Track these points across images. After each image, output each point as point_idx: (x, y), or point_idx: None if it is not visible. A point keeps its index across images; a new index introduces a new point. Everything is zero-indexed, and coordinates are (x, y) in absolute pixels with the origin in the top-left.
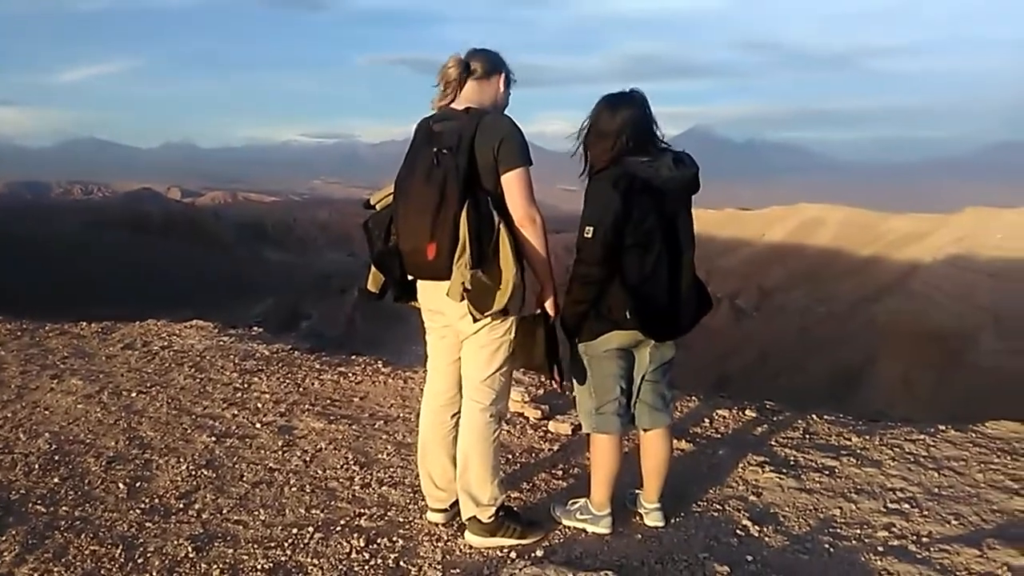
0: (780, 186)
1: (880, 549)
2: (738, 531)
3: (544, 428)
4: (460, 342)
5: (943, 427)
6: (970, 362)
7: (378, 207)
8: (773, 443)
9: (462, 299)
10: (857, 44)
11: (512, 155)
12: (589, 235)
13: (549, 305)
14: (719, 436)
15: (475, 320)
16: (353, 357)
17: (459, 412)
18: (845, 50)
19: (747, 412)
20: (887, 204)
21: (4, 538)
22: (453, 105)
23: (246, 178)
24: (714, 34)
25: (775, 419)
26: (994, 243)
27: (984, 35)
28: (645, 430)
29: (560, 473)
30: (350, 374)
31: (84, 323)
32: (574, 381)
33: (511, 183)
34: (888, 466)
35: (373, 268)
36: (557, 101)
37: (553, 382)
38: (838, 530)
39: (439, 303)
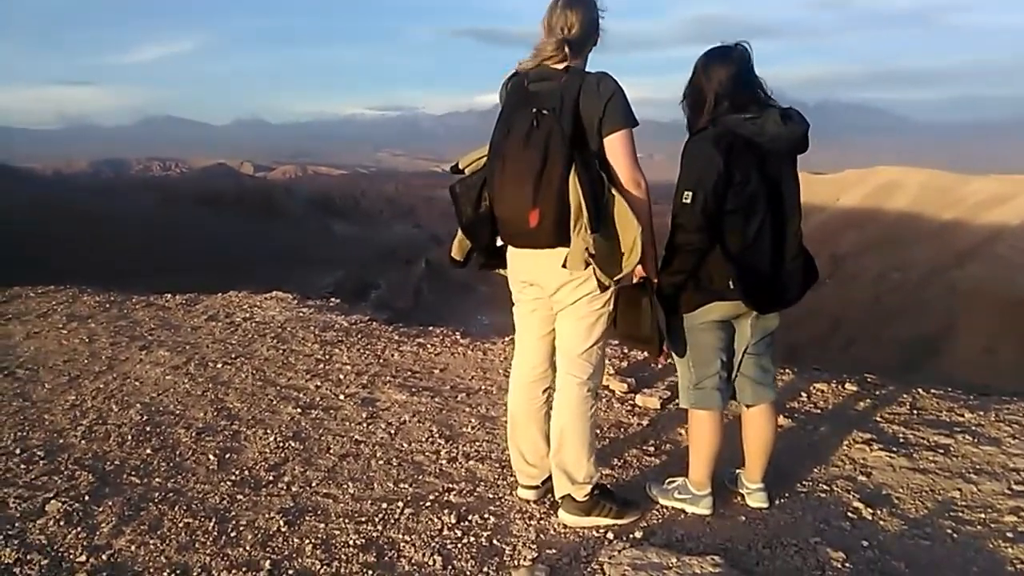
0: (855, 149)
1: (1009, 535)
2: (849, 514)
3: (631, 402)
4: (553, 314)
5: None
6: None
7: (467, 171)
8: (878, 419)
9: (587, 267)
10: (931, 1)
11: (618, 116)
12: (688, 200)
13: (651, 275)
14: (819, 411)
15: (603, 289)
16: (430, 328)
17: (551, 387)
18: (921, 6)
19: (847, 386)
20: (969, 165)
21: (101, 509)
22: (549, 63)
23: (314, 152)
24: None
25: (877, 393)
26: None
27: None
28: (748, 406)
29: (652, 449)
30: (428, 346)
31: (169, 295)
32: (675, 356)
33: (616, 145)
34: (1008, 444)
35: (459, 235)
36: (622, 67)
37: (658, 357)
38: (959, 514)
39: (534, 273)
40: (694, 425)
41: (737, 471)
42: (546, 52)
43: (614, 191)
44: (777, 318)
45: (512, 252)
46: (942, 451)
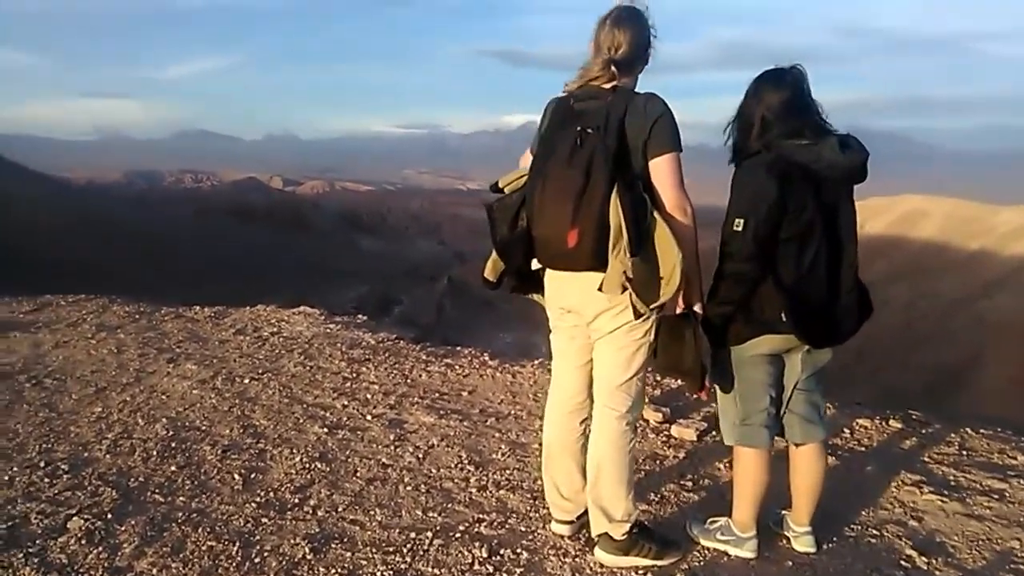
0: (882, 176)
1: None
2: (902, 562)
3: (666, 432)
4: (591, 343)
5: None
6: None
7: (507, 190)
8: (926, 459)
9: (623, 291)
10: (961, 28)
11: (665, 138)
12: (739, 228)
13: (697, 306)
14: (863, 449)
15: (637, 316)
16: (458, 349)
17: (588, 418)
18: (949, 34)
19: (891, 423)
20: (997, 196)
21: (124, 528)
22: (597, 83)
23: (342, 168)
24: (809, 19)
25: (924, 432)
26: None
27: None
28: (797, 444)
29: (690, 484)
30: (457, 366)
31: (197, 307)
32: (716, 389)
33: (662, 168)
34: None
35: (493, 255)
36: (651, 88)
37: (699, 391)
38: (1020, 566)
39: (572, 298)
40: (740, 463)
41: (783, 512)
42: (593, 72)
43: (657, 215)
44: (829, 353)
45: (550, 276)
46: (996, 496)
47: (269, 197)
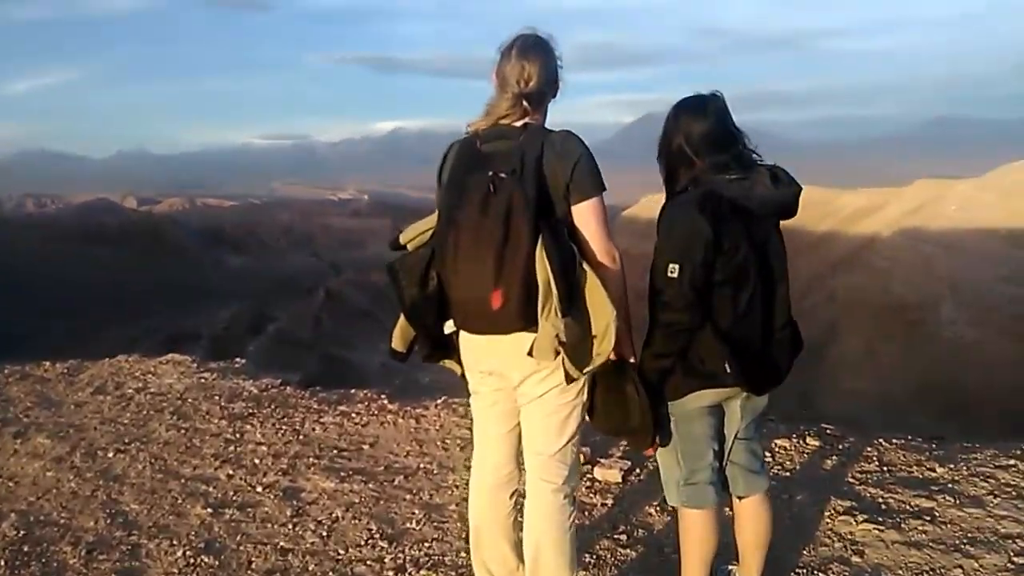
0: None
1: None
2: None
3: (589, 475)
4: (518, 407)
5: None
6: (931, 333)
7: (410, 247)
8: (852, 480)
9: (556, 355)
10: (801, 26)
11: (588, 181)
12: (674, 274)
13: (631, 359)
14: (788, 475)
15: (569, 381)
16: (353, 392)
17: (519, 490)
18: (791, 33)
19: (808, 440)
20: (840, 180)
21: None
22: (506, 121)
23: (203, 183)
24: (663, 21)
25: (841, 447)
26: (947, 214)
27: (916, 15)
28: (740, 497)
29: (625, 538)
30: (353, 414)
31: (47, 363)
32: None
33: (587, 214)
34: (991, 504)
35: (400, 321)
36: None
37: (648, 449)
38: None
39: (495, 362)
40: (686, 525)
41: (731, 568)
42: (502, 109)
43: (586, 266)
44: (767, 397)
45: (467, 339)
46: (928, 518)
47: (123, 217)
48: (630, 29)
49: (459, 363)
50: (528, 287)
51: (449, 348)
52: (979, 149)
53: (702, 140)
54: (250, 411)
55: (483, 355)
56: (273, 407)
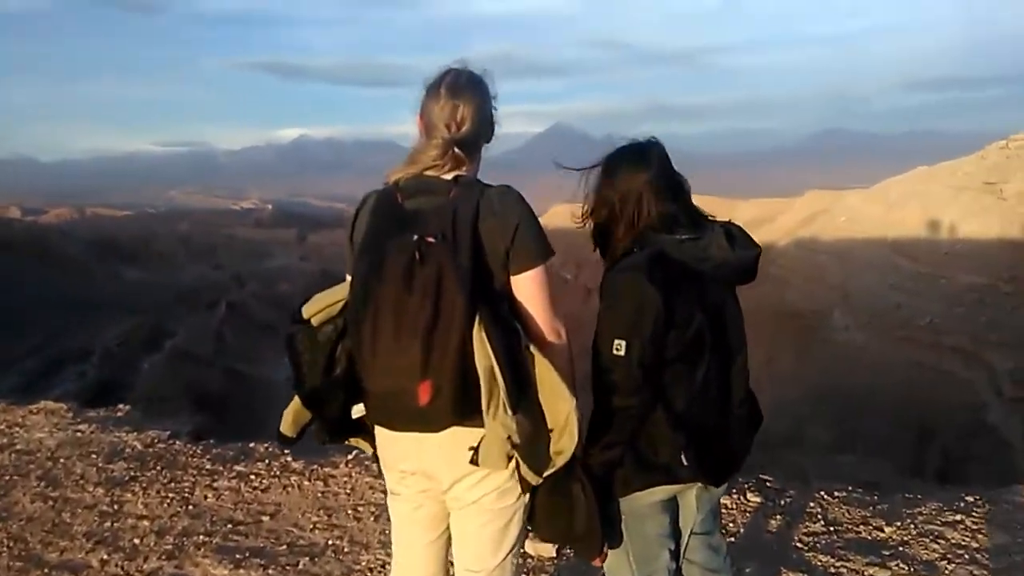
0: None
1: None
2: None
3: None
4: (446, 511)
5: (969, 497)
6: (824, 338)
7: (315, 321)
8: (800, 545)
9: (509, 461)
10: (696, 43)
11: (532, 245)
12: (621, 351)
13: (576, 450)
14: (733, 540)
15: (525, 489)
16: (252, 446)
17: None
18: (686, 48)
19: (749, 497)
20: (735, 191)
21: None
22: (432, 172)
23: (94, 192)
24: (563, 34)
25: (783, 503)
26: (837, 224)
27: (800, 33)
28: None
29: None
30: (252, 475)
31: None
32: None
33: (530, 285)
34: (947, 571)
35: (294, 403)
36: (417, 102)
37: (596, 557)
38: None
39: (419, 462)
40: None
41: None
42: (427, 159)
43: (532, 348)
44: (725, 485)
45: (385, 433)
46: None
47: (7, 229)
48: (532, 40)
49: (371, 444)
50: (464, 377)
51: (357, 427)
52: (863, 161)
53: (647, 193)
54: (132, 474)
55: (404, 452)
56: (159, 468)
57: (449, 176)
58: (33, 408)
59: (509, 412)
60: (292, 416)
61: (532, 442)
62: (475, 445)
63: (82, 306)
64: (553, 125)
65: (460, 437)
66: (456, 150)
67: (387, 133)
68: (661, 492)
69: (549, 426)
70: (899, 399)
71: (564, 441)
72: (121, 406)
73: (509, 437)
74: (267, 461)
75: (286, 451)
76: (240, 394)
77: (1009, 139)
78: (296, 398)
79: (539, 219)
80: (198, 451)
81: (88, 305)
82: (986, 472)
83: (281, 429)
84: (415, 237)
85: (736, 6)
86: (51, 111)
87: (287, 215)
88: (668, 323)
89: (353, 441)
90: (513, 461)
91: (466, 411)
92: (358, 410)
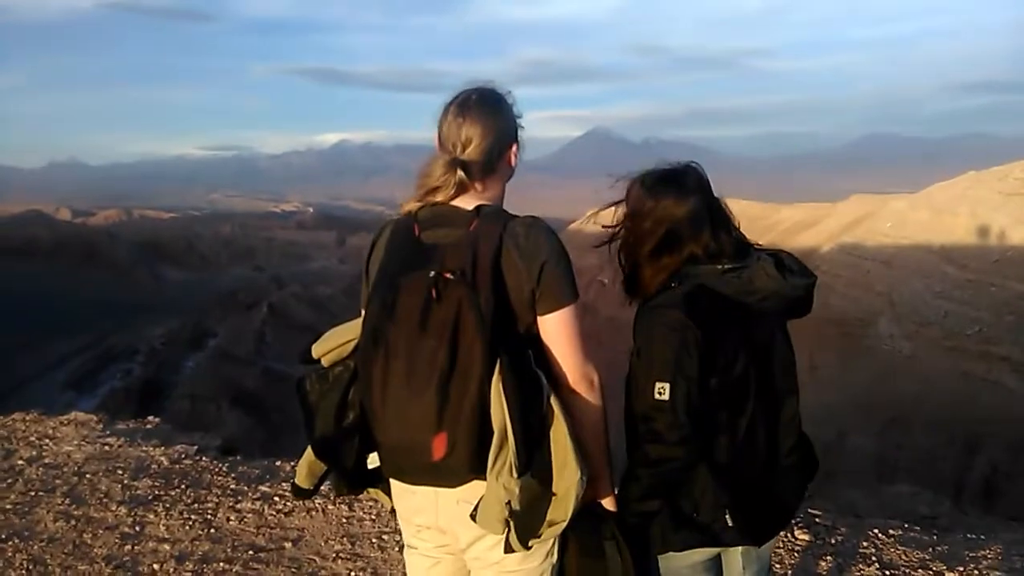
0: None
1: None
2: None
3: None
4: (467, 571)
5: None
6: (869, 346)
7: (325, 362)
8: None
9: (506, 525)
10: (735, 46)
11: (559, 287)
12: (664, 396)
13: (609, 503)
14: None
15: (508, 550)
16: (278, 465)
17: None
18: (726, 52)
19: (798, 535)
20: (777, 195)
21: None
22: (442, 197)
23: (141, 194)
24: (604, 39)
25: (834, 542)
26: (883, 230)
27: (843, 38)
28: None
29: None
30: (276, 497)
31: None
32: None
33: (557, 328)
34: None
35: (307, 454)
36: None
37: None
38: None
39: (436, 516)
40: None
41: None
42: (432, 179)
43: (554, 402)
44: (774, 541)
45: (399, 485)
46: None
47: (56, 230)
48: (571, 46)
49: (389, 495)
50: (483, 429)
51: (375, 477)
52: (909, 165)
53: (688, 223)
54: (156, 493)
55: (421, 506)
56: (183, 486)
57: (470, 206)
58: (64, 419)
59: (515, 475)
60: (307, 467)
61: (530, 510)
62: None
63: (128, 306)
64: (591, 130)
65: (479, 491)
66: (461, 172)
67: (426, 138)
68: (701, 554)
69: (552, 490)
70: (946, 409)
71: (560, 511)
72: (152, 418)
73: (509, 501)
74: (292, 481)
75: None
76: (278, 393)
77: None
78: (308, 449)
79: (566, 252)
80: (224, 469)
81: (133, 305)
82: None
83: (296, 481)
84: (432, 273)
85: (776, 9)
86: (101, 116)
87: (327, 218)
88: (710, 366)
89: (372, 492)
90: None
91: (484, 463)
92: (373, 460)
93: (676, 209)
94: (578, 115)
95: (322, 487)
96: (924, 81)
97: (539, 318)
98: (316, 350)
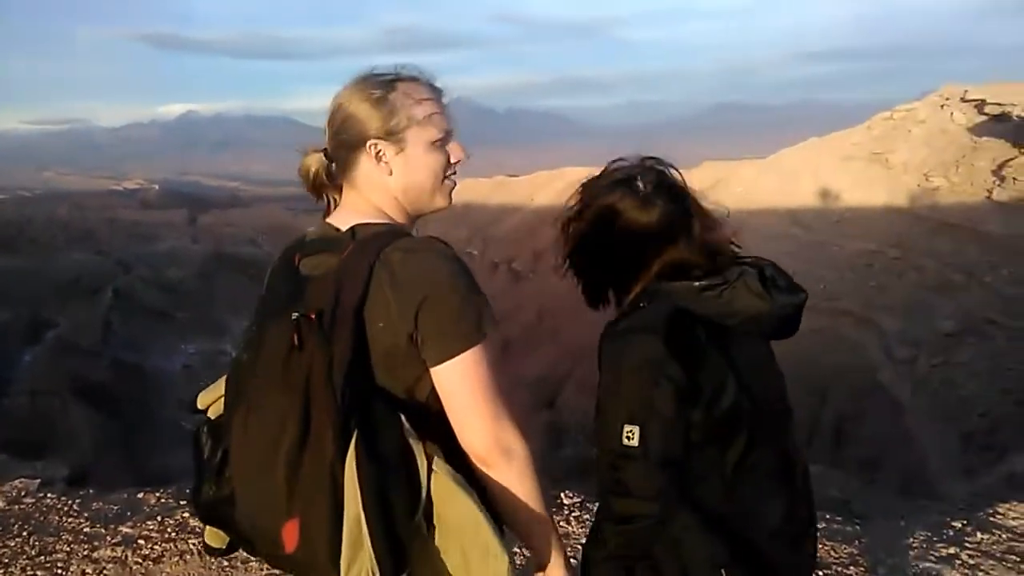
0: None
1: None
2: None
3: None
4: None
5: (956, 523)
6: None
7: (211, 413)
8: None
9: None
10: (594, 15)
11: (447, 328)
12: (633, 440)
13: (559, 572)
14: None
15: None
16: (140, 497)
17: None
18: (586, 20)
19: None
20: None
21: None
22: (331, 218)
23: None
24: (467, 6)
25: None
26: (734, 195)
27: (693, 7)
28: None
29: None
30: (140, 539)
31: None
32: None
33: (453, 384)
34: None
35: None
36: (318, 75)
37: None
38: None
39: None
40: None
41: None
42: (303, 170)
43: (445, 477)
44: None
45: None
46: None
47: None
48: (434, 12)
49: None
50: (340, 520)
51: None
52: (757, 132)
53: (657, 231)
54: None
55: None
56: (26, 535)
57: (345, 224)
58: None
59: None
60: (208, 532)
61: None
62: None
63: None
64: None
65: None
66: (331, 165)
67: (281, 108)
68: None
69: None
70: (802, 367)
71: None
72: None
73: None
74: (159, 518)
75: (182, 503)
76: (130, 386)
77: (894, 110)
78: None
79: (467, 279)
80: (75, 507)
81: None
82: (878, 429)
83: (206, 540)
84: (295, 314)
85: None
86: None
87: (175, 195)
88: (692, 399)
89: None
90: None
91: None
92: None
93: (641, 215)
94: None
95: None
96: (771, 51)
97: (432, 370)
98: (202, 399)
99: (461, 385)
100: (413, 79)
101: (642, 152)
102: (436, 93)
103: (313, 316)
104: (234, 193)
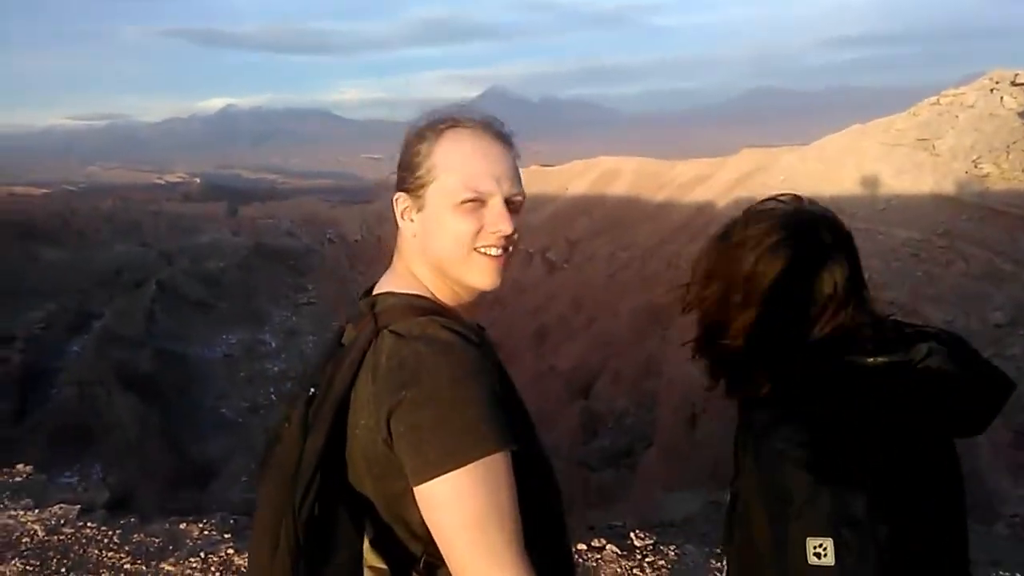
0: (578, 141)
1: None
2: None
3: None
4: None
5: None
6: None
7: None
8: None
9: None
10: (624, 2)
11: (428, 440)
12: (827, 558)
13: None
14: None
15: None
16: (183, 529)
17: None
18: (616, 8)
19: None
20: (670, 152)
21: None
22: (381, 279)
23: (5, 170)
24: None
25: None
26: (774, 184)
27: None
28: None
29: None
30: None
31: None
32: None
33: (433, 510)
34: None
35: None
36: (351, 69)
37: None
38: None
39: None
40: None
41: None
42: None
43: None
44: None
45: None
46: None
47: None
48: (461, 4)
49: None
50: None
51: None
52: (793, 118)
53: (843, 295)
54: None
55: None
56: (64, 571)
57: (380, 291)
58: None
59: None
60: None
61: None
62: None
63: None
64: (489, 89)
65: None
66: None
67: (319, 101)
68: None
69: None
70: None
71: None
72: (20, 467)
73: None
74: (202, 554)
75: (226, 536)
76: (173, 374)
77: (940, 95)
78: None
79: (469, 380)
80: (115, 539)
81: (6, 289)
82: None
83: None
84: (311, 391)
85: None
86: None
87: (216, 188)
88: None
89: None
90: None
91: None
92: None
93: (836, 273)
94: (474, 74)
95: None
96: (805, 36)
97: (415, 489)
98: None
99: (442, 516)
100: (469, 126)
101: (673, 138)
102: (493, 146)
103: (315, 394)
104: (273, 185)
